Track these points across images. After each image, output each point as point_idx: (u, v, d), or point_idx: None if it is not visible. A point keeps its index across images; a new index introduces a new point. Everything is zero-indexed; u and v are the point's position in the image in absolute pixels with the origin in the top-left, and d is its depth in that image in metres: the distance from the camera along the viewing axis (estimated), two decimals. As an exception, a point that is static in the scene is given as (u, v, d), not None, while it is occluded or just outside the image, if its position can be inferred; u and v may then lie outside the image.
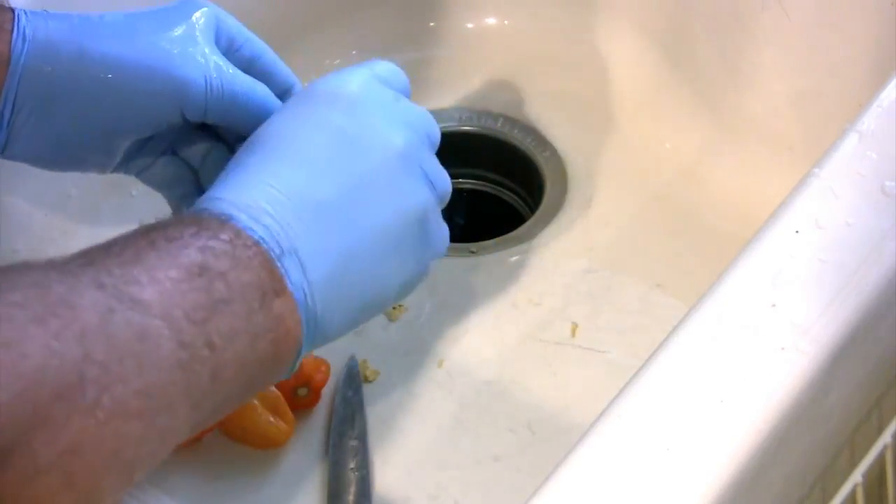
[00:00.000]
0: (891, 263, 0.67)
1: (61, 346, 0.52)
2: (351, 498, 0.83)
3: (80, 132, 0.71)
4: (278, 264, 0.61)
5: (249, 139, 0.67)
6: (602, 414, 0.63)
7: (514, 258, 0.97)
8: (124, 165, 0.75)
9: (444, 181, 0.70)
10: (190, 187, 0.76)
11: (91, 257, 0.58)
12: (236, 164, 0.65)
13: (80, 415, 0.52)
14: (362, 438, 0.86)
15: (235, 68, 0.72)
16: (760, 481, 0.63)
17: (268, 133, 0.67)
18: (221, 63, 0.71)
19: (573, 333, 0.92)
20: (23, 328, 0.51)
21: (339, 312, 0.64)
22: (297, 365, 0.64)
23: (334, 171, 0.65)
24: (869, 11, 0.91)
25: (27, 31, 0.69)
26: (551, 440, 0.86)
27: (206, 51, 0.71)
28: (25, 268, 0.55)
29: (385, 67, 0.71)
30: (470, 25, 1.10)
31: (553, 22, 1.09)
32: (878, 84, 0.75)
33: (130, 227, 0.95)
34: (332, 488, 0.84)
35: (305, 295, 0.62)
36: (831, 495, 0.68)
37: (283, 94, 0.75)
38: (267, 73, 0.74)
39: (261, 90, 0.72)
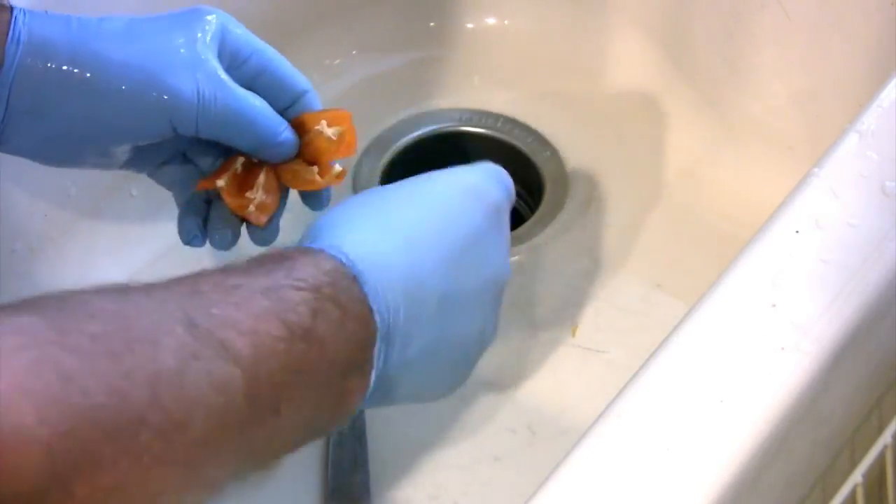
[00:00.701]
0: (891, 264, 0.67)
1: (129, 385, 0.51)
2: (351, 498, 0.83)
3: (74, 136, 0.71)
4: (377, 345, 0.61)
5: (400, 189, 0.67)
6: (602, 414, 0.63)
7: (514, 258, 0.97)
8: (131, 165, 0.74)
9: None
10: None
11: (197, 289, 0.56)
12: (380, 214, 0.65)
13: (129, 456, 0.51)
14: (362, 438, 0.86)
15: (234, 84, 0.71)
16: (761, 481, 0.63)
17: (420, 200, 0.66)
18: (218, 78, 0.70)
19: (573, 333, 0.92)
20: (91, 362, 0.50)
21: (397, 398, 0.65)
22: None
23: (459, 272, 0.65)
24: (869, 11, 0.91)
25: (22, 35, 0.69)
26: (551, 440, 0.86)
27: (204, 65, 0.70)
28: (121, 292, 0.54)
29: (507, 178, 0.73)
30: (470, 25, 1.10)
31: (553, 22, 1.09)
32: (878, 84, 0.75)
33: (130, 227, 0.96)
34: (332, 488, 0.84)
35: (381, 379, 0.62)
36: (831, 495, 0.68)
37: (295, 101, 0.73)
38: (276, 84, 0.73)
39: (259, 106, 0.71)
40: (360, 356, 0.60)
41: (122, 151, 0.73)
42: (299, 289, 0.58)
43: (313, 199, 0.75)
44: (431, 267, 0.64)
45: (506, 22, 1.10)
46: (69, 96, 0.69)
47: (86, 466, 0.50)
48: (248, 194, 0.73)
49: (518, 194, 1.05)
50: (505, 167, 1.05)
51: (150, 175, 0.76)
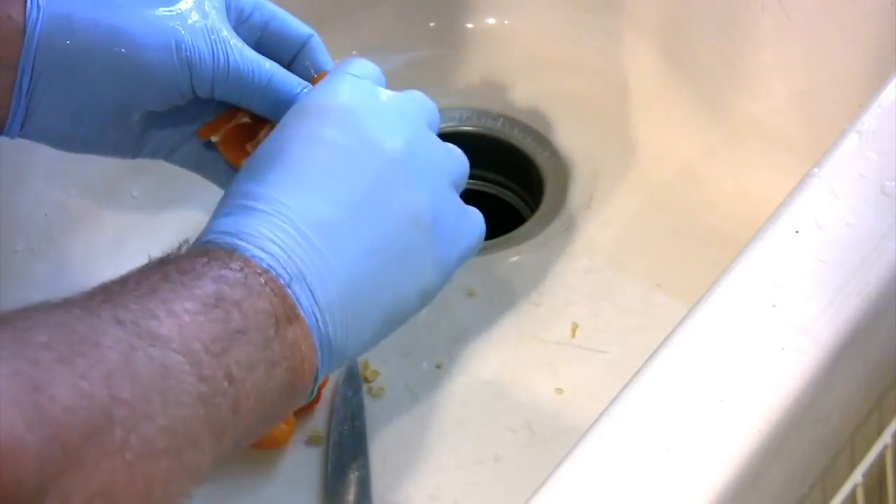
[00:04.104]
0: (891, 264, 0.67)
1: (89, 386, 0.51)
2: (351, 498, 0.83)
3: (97, 104, 0.71)
4: (287, 291, 0.61)
5: (248, 161, 0.67)
6: (602, 414, 0.63)
7: (514, 258, 0.97)
8: (150, 148, 0.74)
9: (457, 163, 0.70)
10: (222, 167, 0.76)
11: (109, 293, 0.57)
12: (235, 192, 0.65)
13: (110, 456, 0.51)
14: (362, 438, 0.86)
15: (244, 43, 0.72)
16: (760, 481, 0.63)
17: (265, 154, 0.66)
18: (229, 38, 0.71)
19: (573, 333, 0.92)
20: (50, 370, 0.51)
21: (355, 331, 0.64)
22: (316, 390, 0.63)
23: (333, 187, 0.65)
24: (869, 11, 0.91)
25: (41, 1, 0.69)
26: (551, 440, 0.86)
27: (216, 24, 0.71)
28: (47, 307, 0.55)
29: (359, 66, 0.70)
30: (470, 25, 1.10)
31: (553, 22, 1.09)
32: (878, 84, 0.75)
33: (131, 228, 0.96)
34: (332, 488, 0.84)
35: (317, 319, 0.62)
36: (831, 496, 0.68)
37: (301, 48, 0.74)
38: (281, 33, 0.74)
39: (268, 66, 0.72)
40: (280, 304, 0.60)
41: (140, 121, 0.72)
42: (190, 269, 0.59)
43: None
44: (301, 196, 0.64)
45: (506, 22, 1.10)
46: (91, 65, 0.70)
47: (74, 471, 0.50)
48: (247, 146, 0.74)
49: (518, 194, 1.05)
50: (505, 167, 1.06)
51: (169, 159, 0.76)
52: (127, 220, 0.96)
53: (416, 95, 0.71)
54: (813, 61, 0.96)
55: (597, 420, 0.63)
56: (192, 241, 0.64)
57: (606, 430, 0.62)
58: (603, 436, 0.62)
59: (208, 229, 0.64)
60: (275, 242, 0.62)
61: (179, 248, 0.63)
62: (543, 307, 0.94)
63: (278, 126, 0.68)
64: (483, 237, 0.71)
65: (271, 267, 0.61)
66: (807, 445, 0.66)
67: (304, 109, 0.68)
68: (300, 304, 0.61)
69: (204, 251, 0.61)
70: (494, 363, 0.91)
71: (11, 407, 0.49)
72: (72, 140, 0.73)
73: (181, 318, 0.57)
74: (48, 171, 0.85)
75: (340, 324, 0.63)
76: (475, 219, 0.70)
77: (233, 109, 0.74)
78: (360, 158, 0.66)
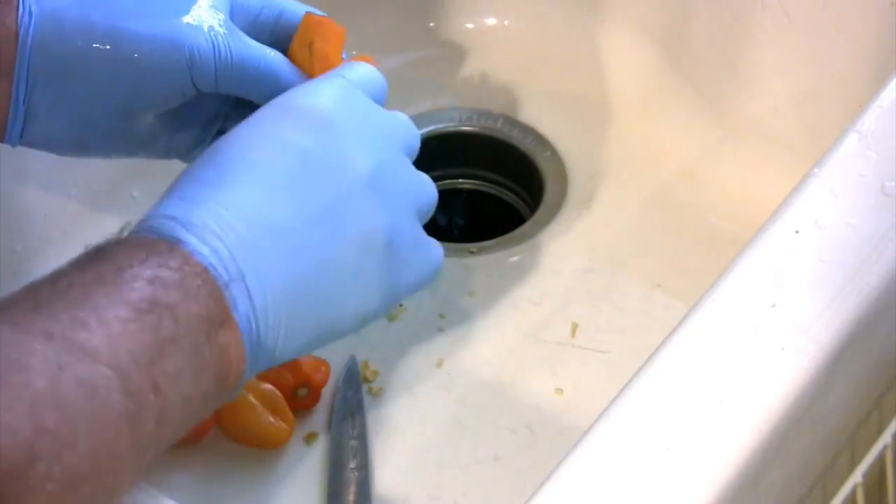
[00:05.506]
0: (891, 264, 0.67)
1: (13, 419, 0.51)
2: (351, 498, 0.83)
3: (97, 108, 0.70)
4: (225, 292, 0.60)
5: (209, 149, 0.65)
6: (602, 414, 0.63)
7: (514, 258, 0.97)
8: (161, 148, 0.73)
9: (426, 193, 0.68)
10: None
11: (38, 300, 0.56)
12: (190, 177, 0.63)
13: (32, 491, 0.51)
14: (362, 438, 0.86)
15: (245, 36, 0.71)
16: (760, 481, 0.63)
17: (229, 147, 0.64)
18: (231, 32, 0.70)
19: (573, 333, 0.92)
20: None
21: (287, 339, 0.63)
22: (239, 391, 0.62)
23: (293, 195, 0.63)
24: (869, 11, 0.92)
25: (33, 7, 0.68)
26: (551, 440, 0.86)
27: (215, 18, 0.70)
28: None
29: (362, 72, 0.69)
30: (470, 25, 1.10)
31: (553, 22, 1.09)
32: (878, 84, 0.75)
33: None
34: (332, 488, 0.84)
35: (251, 323, 0.61)
36: (831, 495, 0.68)
37: None
38: (294, 25, 0.73)
39: (272, 56, 0.71)
40: (215, 306, 0.59)
41: (144, 123, 0.72)
42: (127, 267, 0.58)
43: None
44: (256, 197, 0.62)
45: (506, 22, 1.10)
46: (87, 68, 0.69)
47: None
48: None
49: (518, 194, 1.05)
50: (505, 167, 1.06)
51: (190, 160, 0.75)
52: (127, 221, 0.96)
53: (401, 118, 0.69)
54: (813, 61, 0.96)
55: (597, 420, 0.63)
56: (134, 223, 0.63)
57: (606, 430, 0.62)
58: (603, 436, 0.62)
59: (156, 213, 0.62)
60: (220, 238, 0.60)
61: (121, 231, 0.62)
62: (543, 307, 0.94)
63: (251, 118, 0.66)
64: (439, 271, 0.69)
65: (212, 266, 0.60)
66: (807, 445, 0.67)
67: (281, 107, 0.66)
68: (236, 306, 0.60)
69: (144, 243, 0.59)
70: (494, 363, 0.90)
71: None
72: (75, 146, 0.72)
73: (111, 326, 0.55)
74: (47, 172, 0.84)
75: (274, 328, 0.62)
76: (433, 253, 0.69)
77: None
78: (325, 171, 0.64)
